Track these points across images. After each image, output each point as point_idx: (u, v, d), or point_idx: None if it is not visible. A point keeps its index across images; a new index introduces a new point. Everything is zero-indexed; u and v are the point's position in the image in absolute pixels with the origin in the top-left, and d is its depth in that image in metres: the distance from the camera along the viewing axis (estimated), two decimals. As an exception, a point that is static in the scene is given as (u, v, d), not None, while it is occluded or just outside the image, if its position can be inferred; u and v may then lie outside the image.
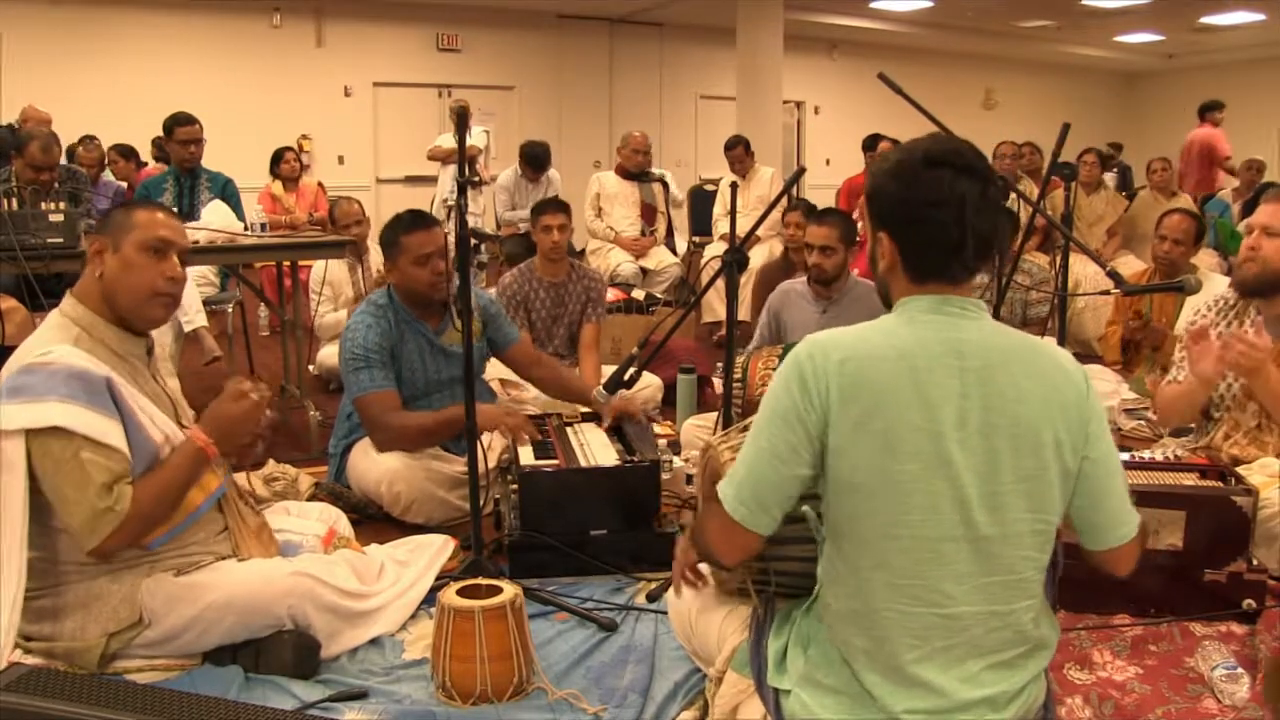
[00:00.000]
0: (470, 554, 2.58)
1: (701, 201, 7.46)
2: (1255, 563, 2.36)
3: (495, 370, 3.66)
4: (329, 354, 4.73)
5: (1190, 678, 2.11)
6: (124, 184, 7.39)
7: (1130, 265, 5.53)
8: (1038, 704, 1.52)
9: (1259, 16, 11.60)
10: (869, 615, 1.46)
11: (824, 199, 7.77)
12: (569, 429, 3.08)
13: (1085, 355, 4.99)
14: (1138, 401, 4.15)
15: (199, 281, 4.88)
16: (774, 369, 3.17)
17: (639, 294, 5.61)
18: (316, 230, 6.03)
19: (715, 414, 3.29)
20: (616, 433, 3.04)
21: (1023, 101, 14.65)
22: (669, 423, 4.07)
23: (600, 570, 2.66)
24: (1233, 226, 7.06)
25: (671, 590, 2.08)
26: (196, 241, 3.79)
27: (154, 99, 7.83)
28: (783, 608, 1.71)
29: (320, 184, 7.76)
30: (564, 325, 4.26)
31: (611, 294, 5.37)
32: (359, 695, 2.05)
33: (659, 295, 5.89)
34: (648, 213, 6.43)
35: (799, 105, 13.52)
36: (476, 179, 6.70)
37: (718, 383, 4.34)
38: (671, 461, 3.07)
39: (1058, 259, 3.69)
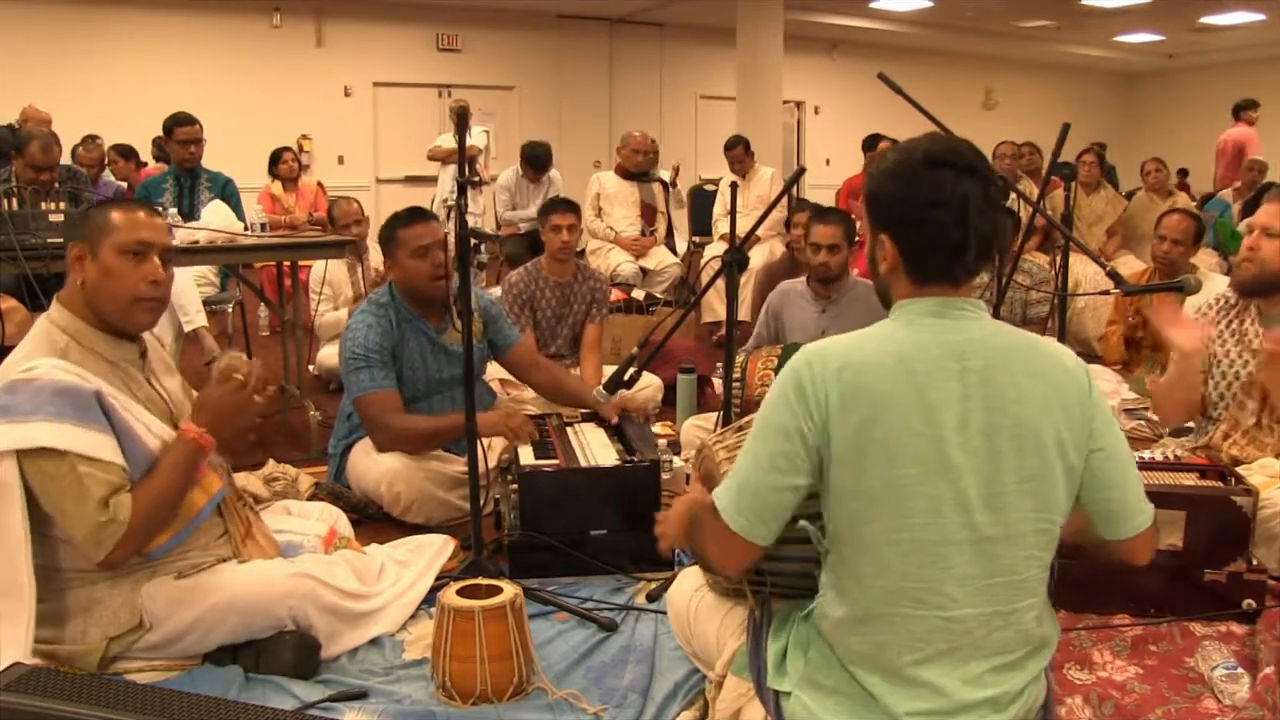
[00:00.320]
0: (470, 554, 2.58)
1: (701, 201, 7.46)
2: (1255, 563, 2.36)
3: (496, 370, 3.65)
4: (329, 354, 4.73)
5: (1190, 678, 2.11)
6: (124, 184, 7.40)
7: (1130, 265, 5.54)
8: (1038, 704, 1.52)
9: (1259, 16, 11.60)
10: (870, 621, 1.46)
11: (824, 199, 7.78)
12: (569, 429, 3.08)
13: (1085, 355, 4.97)
14: (1138, 401, 4.15)
15: (199, 281, 4.88)
16: (773, 369, 3.18)
17: (639, 294, 5.61)
18: (316, 230, 6.03)
19: (715, 414, 3.30)
20: (616, 433, 3.04)
21: (1023, 101, 14.66)
22: (669, 423, 4.07)
23: (600, 570, 2.66)
24: (1233, 226, 7.07)
25: (671, 590, 2.08)
26: (196, 241, 3.79)
27: (154, 99, 7.83)
28: (781, 609, 1.71)
29: (320, 184, 7.76)
30: (568, 325, 4.25)
31: (612, 294, 5.38)
32: (359, 695, 2.05)
33: (659, 295, 5.89)
34: (648, 213, 6.43)
35: (799, 105, 13.52)
36: (476, 179, 6.70)
37: (718, 383, 4.34)
38: (671, 461, 3.07)
39: (1058, 259, 3.69)
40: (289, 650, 2.12)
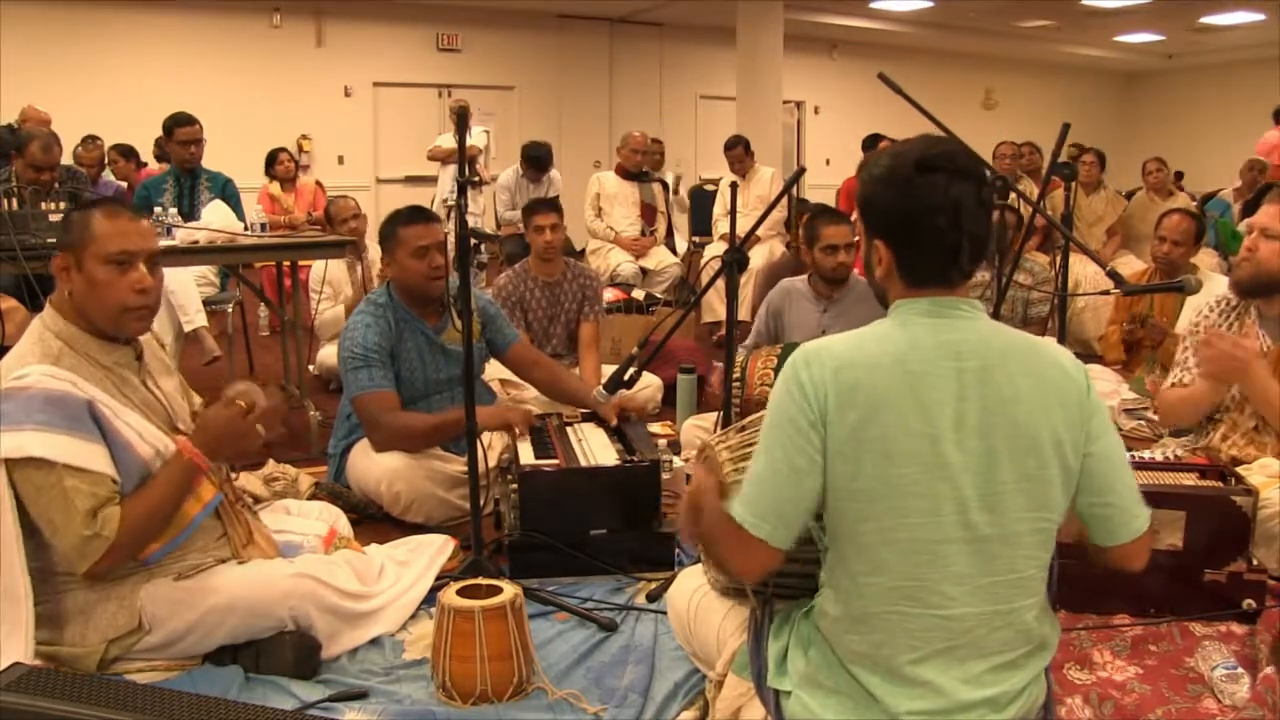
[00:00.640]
0: (470, 554, 2.58)
1: (701, 201, 7.46)
2: (1255, 563, 2.36)
3: (495, 370, 3.66)
4: (329, 354, 4.73)
5: (1190, 678, 2.10)
6: (124, 184, 7.40)
7: (1130, 265, 5.53)
8: (1038, 704, 1.52)
9: (1259, 16, 11.61)
10: (867, 619, 1.46)
11: (824, 199, 7.78)
12: (569, 429, 3.08)
13: (1085, 355, 4.99)
14: (1138, 401, 4.15)
15: (199, 281, 4.89)
16: (773, 368, 3.18)
17: (639, 294, 5.61)
18: (316, 230, 6.03)
19: (715, 414, 3.29)
20: (616, 433, 3.04)
21: (1023, 101, 14.66)
22: (669, 423, 4.07)
23: (600, 570, 2.66)
24: (1233, 226, 7.06)
25: (671, 590, 2.08)
26: (196, 241, 3.80)
27: (154, 99, 7.83)
28: (781, 609, 1.71)
29: (319, 183, 7.76)
30: (561, 324, 4.26)
31: (611, 294, 5.38)
32: (359, 695, 2.05)
33: (659, 295, 5.89)
34: (648, 213, 6.44)
35: (799, 105, 13.53)
36: (476, 179, 6.70)
37: (716, 381, 4.34)
38: (671, 461, 3.07)
39: (1058, 259, 3.69)
40: (289, 650, 2.12)
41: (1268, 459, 2.67)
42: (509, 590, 2.08)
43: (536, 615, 2.39)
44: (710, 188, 7.50)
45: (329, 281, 4.95)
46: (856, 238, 3.83)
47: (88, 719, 1.50)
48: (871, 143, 7.23)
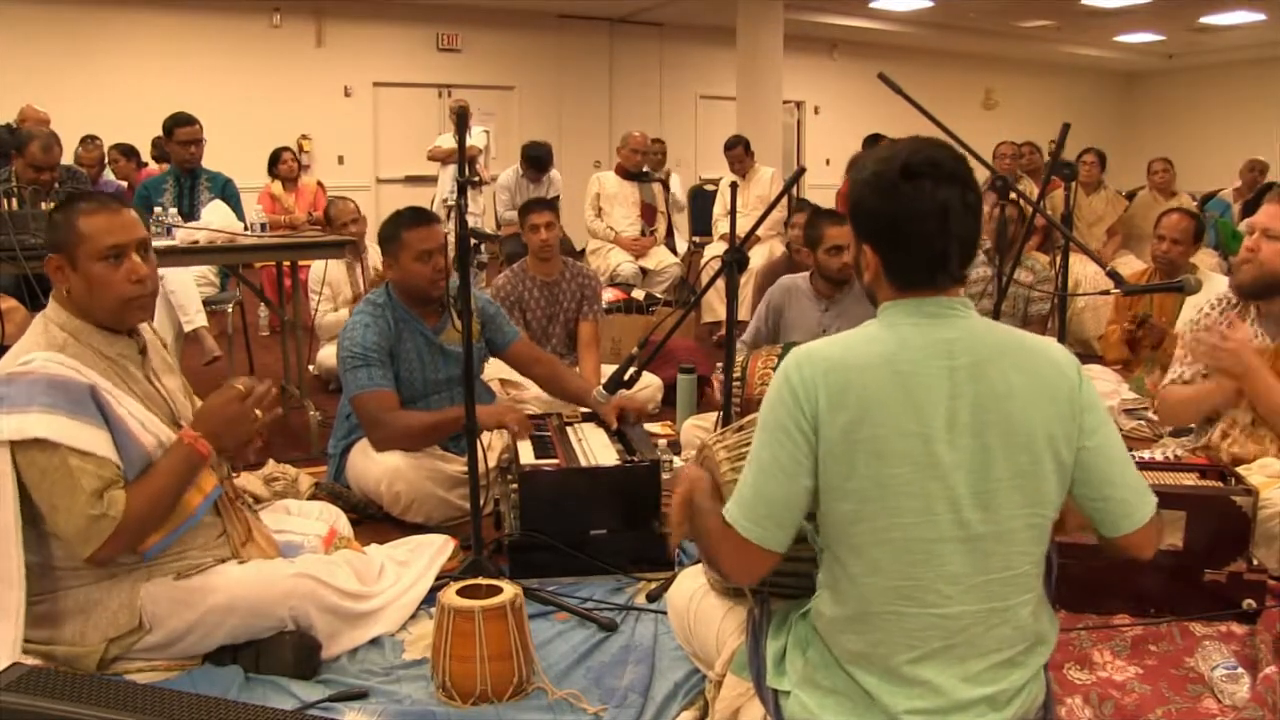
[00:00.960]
0: (470, 554, 2.58)
1: (701, 201, 7.46)
2: (1255, 563, 2.36)
3: (495, 370, 3.66)
4: (329, 354, 4.73)
5: (1190, 678, 2.11)
6: (124, 184, 7.40)
7: (1130, 265, 5.53)
8: (1038, 702, 1.52)
9: (1259, 16, 11.60)
10: (864, 619, 1.46)
11: (824, 199, 7.76)
12: (569, 429, 3.08)
13: (1085, 355, 4.99)
14: (1138, 401, 4.15)
15: (199, 281, 4.89)
16: (773, 368, 3.18)
17: (639, 294, 5.62)
18: (316, 230, 6.03)
19: (715, 414, 3.29)
20: (617, 433, 3.04)
21: (1023, 101, 14.66)
22: (669, 423, 4.07)
23: (600, 570, 2.66)
24: (1234, 226, 7.06)
25: (671, 590, 2.08)
26: (196, 241, 3.80)
27: (154, 99, 7.83)
28: (780, 609, 1.71)
29: (320, 183, 7.77)
30: (559, 324, 4.26)
31: (611, 294, 5.38)
32: (359, 695, 2.05)
33: (659, 295, 5.90)
34: (648, 213, 6.44)
35: (799, 105, 13.53)
36: (476, 179, 6.70)
37: (718, 383, 4.34)
38: (671, 461, 3.07)
39: (1058, 259, 3.69)
40: (289, 650, 2.12)
41: (1268, 459, 2.67)
42: (509, 590, 2.08)
43: (536, 615, 2.39)
44: (710, 188, 7.50)
45: (328, 282, 4.95)
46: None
47: (88, 719, 1.50)
48: (872, 143, 7.22)
